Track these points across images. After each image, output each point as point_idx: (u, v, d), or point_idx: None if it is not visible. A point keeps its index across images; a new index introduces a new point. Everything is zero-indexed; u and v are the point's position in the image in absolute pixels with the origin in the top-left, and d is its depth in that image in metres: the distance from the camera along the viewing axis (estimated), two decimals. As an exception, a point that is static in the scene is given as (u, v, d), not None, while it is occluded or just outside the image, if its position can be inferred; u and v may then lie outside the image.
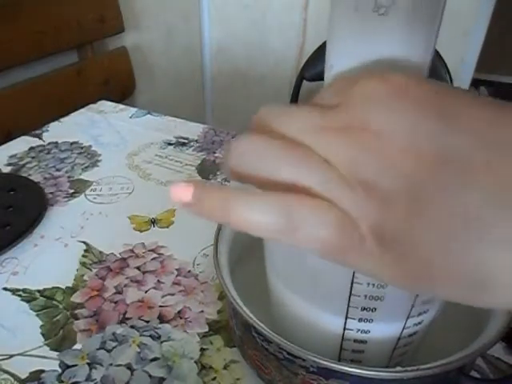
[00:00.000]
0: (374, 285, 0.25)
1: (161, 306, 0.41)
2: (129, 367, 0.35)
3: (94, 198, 0.56)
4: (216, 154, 0.67)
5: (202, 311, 0.40)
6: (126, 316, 0.40)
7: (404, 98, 0.17)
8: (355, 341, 0.28)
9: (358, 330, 0.27)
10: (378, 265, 0.17)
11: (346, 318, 0.27)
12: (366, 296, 0.25)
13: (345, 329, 0.27)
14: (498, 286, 0.15)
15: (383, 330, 0.27)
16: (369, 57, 0.21)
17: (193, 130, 0.74)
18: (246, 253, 0.39)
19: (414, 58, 0.22)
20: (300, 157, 0.17)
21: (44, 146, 0.69)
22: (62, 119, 0.77)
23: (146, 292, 0.42)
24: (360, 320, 0.27)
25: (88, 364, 0.36)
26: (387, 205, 0.16)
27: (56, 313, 0.40)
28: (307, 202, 0.17)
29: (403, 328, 0.27)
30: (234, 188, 0.18)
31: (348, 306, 0.26)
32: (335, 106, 0.18)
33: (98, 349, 0.37)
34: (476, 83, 1.94)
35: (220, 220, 0.19)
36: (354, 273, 0.24)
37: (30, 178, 0.59)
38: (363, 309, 0.26)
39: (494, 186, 0.15)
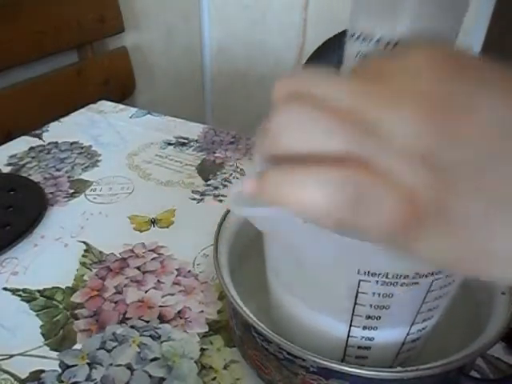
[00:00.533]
0: (379, 294, 0.24)
1: (161, 306, 0.41)
2: (129, 367, 0.35)
3: (94, 198, 0.56)
4: (216, 154, 0.67)
5: (202, 311, 0.40)
6: (126, 316, 0.40)
7: (450, 69, 0.15)
8: (359, 347, 0.28)
9: (362, 337, 0.27)
10: (437, 246, 0.16)
11: (350, 326, 0.27)
12: (371, 305, 0.25)
13: (349, 336, 0.27)
14: None
15: (387, 336, 0.27)
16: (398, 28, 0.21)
17: (193, 130, 0.74)
18: (246, 253, 0.39)
19: (443, 33, 0.21)
20: (351, 127, 0.16)
21: (44, 146, 0.69)
22: (62, 119, 0.77)
23: (146, 292, 0.42)
24: (364, 328, 0.27)
25: (88, 364, 0.35)
26: (449, 177, 0.15)
27: (56, 313, 0.40)
28: (366, 176, 0.15)
29: (407, 334, 0.27)
30: (285, 168, 0.17)
31: (352, 314, 0.26)
32: (379, 76, 0.16)
33: (97, 349, 0.37)
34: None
35: (285, 205, 0.17)
36: (359, 282, 0.24)
37: (30, 177, 0.59)
38: (368, 317, 0.26)
39: None
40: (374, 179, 0.15)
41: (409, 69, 0.16)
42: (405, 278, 0.23)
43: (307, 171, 0.16)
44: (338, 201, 0.15)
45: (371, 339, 0.27)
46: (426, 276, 0.23)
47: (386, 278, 0.23)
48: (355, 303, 0.25)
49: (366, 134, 0.15)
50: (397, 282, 0.23)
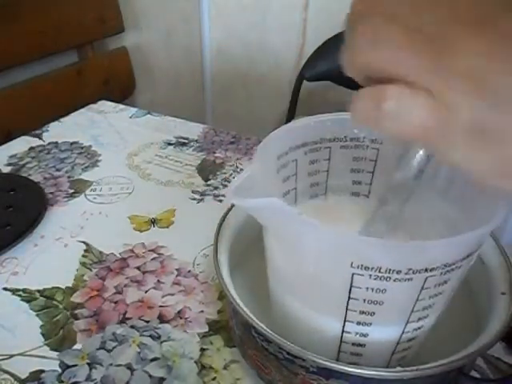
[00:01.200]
0: (373, 289, 0.24)
1: (161, 306, 0.41)
2: (129, 367, 0.35)
3: (94, 198, 0.56)
4: (216, 154, 0.67)
5: (202, 311, 0.40)
6: (126, 316, 0.40)
7: None
8: (353, 344, 0.28)
9: (357, 333, 0.27)
10: (467, 155, 0.18)
11: (344, 321, 0.27)
12: (364, 300, 0.25)
13: (343, 331, 0.27)
14: None
15: (382, 334, 0.27)
16: None
17: (193, 130, 0.74)
18: (246, 253, 0.39)
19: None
20: (404, 51, 0.18)
21: (44, 146, 0.69)
22: (62, 119, 0.77)
23: (146, 292, 0.42)
24: (358, 323, 0.27)
25: (88, 364, 0.35)
26: (485, 94, 0.16)
27: (56, 313, 0.40)
28: (406, 90, 0.18)
29: (402, 333, 0.27)
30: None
31: (346, 309, 0.26)
32: None
33: (97, 349, 0.37)
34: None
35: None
36: (352, 276, 0.24)
37: (30, 177, 0.59)
38: (362, 312, 0.26)
39: None
40: (413, 93, 0.18)
41: None
42: (398, 273, 0.23)
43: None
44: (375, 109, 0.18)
45: (366, 335, 0.27)
46: (420, 272, 0.23)
47: (379, 272, 0.23)
48: (349, 297, 0.25)
49: (415, 58, 0.17)
50: (390, 277, 0.23)
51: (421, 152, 0.24)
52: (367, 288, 0.24)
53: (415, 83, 0.17)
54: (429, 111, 0.17)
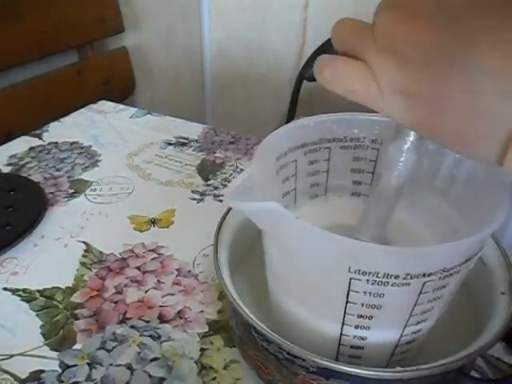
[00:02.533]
0: (370, 294, 0.24)
1: (161, 306, 0.41)
2: (129, 367, 0.35)
3: (94, 198, 0.56)
4: (216, 154, 0.67)
5: (202, 311, 0.40)
6: (126, 316, 0.40)
7: None
8: (352, 347, 0.28)
9: (355, 336, 0.27)
10: (391, 110, 0.22)
11: (342, 324, 0.27)
12: (362, 304, 0.25)
13: (341, 334, 0.27)
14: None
15: (380, 337, 0.27)
16: None
17: (193, 130, 0.74)
18: (246, 253, 0.39)
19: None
20: (359, 32, 0.23)
21: (44, 146, 0.69)
22: (62, 119, 0.77)
23: (145, 292, 0.42)
24: (357, 327, 0.27)
25: (88, 364, 0.36)
26: (405, 65, 0.20)
27: (56, 313, 0.40)
28: (349, 63, 0.23)
29: (401, 336, 0.27)
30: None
31: (345, 312, 0.26)
32: None
33: (97, 349, 0.37)
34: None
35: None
36: (350, 280, 0.24)
37: (30, 177, 0.59)
38: (360, 316, 0.26)
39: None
40: (353, 66, 0.23)
41: None
42: (396, 278, 0.23)
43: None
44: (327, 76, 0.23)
45: (364, 339, 0.27)
46: (418, 277, 0.23)
47: (377, 277, 0.23)
48: (347, 301, 0.25)
49: (364, 36, 0.22)
50: (388, 282, 0.23)
51: (410, 137, 0.25)
52: (365, 292, 0.24)
53: (357, 56, 0.22)
54: (358, 77, 0.22)
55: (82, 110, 0.80)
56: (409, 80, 0.21)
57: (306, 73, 0.95)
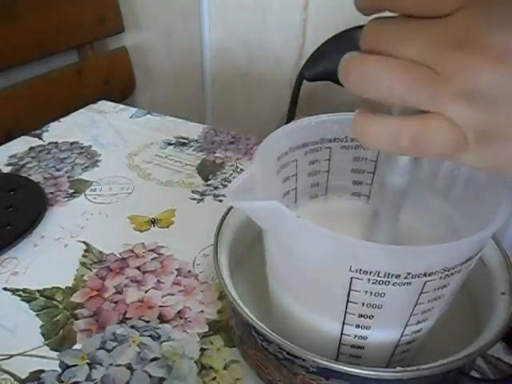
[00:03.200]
0: (371, 293, 0.24)
1: (161, 306, 0.41)
2: (129, 367, 0.35)
3: (94, 198, 0.56)
4: (216, 154, 0.67)
5: (202, 311, 0.40)
6: (126, 316, 0.40)
7: None
8: (352, 346, 0.28)
9: (356, 335, 0.27)
10: (478, 160, 0.20)
11: (343, 324, 0.27)
12: (363, 303, 0.25)
13: (342, 334, 0.27)
14: None
15: (381, 336, 0.27)
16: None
17: (193, 130, 0.74)
18: (246, 253, 0.39)
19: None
20: (410, 74, 0.19)
21: (44, 146, 0.69)
22: (62, 119, 0.77)
23: (146, 292, 0.42)
24: (357, 326, 0.27)
25: (88, 364, 0.35)
26: (490, 110, 0.19)
27: (56, 313, 0.40)
28: (423, 121, 0.20)
29: (401, 336, 0.27)
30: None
31: (345, 312, 0.26)
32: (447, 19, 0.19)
33: (97, 349, 0.37)
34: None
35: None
36: (351, 279, 0.24)
37: (30, 177, 0.59)
38: (360, 316, 0.26)
39: None
40: (430, 125, 0.19)
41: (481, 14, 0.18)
42: (397, 277, 0.23)
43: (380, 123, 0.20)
44: (405, 145, 0.20)
45: (364, 338, 0.27)
46: (419, 276, 0.23)
47: (378, 276, 0.23)
48: (348, 301, 0.25)
49: (423, 79, 0.19)
50: (389, 281, 0.23)
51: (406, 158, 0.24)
52: (366, 292, 0.24)
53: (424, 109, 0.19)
54: (446, 139, 0.19)
55: (81, 110, 0.80)
56: (496, 123, 0.19)
57: (306, 73, 0.95)
